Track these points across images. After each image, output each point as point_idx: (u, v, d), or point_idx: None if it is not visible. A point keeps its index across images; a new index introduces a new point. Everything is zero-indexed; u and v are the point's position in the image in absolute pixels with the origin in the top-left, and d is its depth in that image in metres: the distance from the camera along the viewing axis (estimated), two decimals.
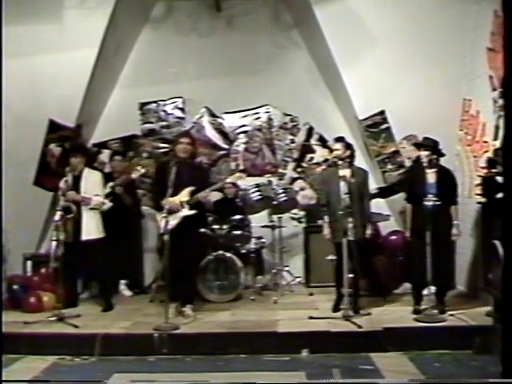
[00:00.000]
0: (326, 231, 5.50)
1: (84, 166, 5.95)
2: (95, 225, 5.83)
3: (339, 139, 5.54)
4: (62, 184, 5.77)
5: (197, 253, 5.74)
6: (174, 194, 5.31)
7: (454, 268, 5.38)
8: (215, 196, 6.73)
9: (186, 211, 5.37)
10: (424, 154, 5.21)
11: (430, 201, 5.00)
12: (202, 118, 7.66)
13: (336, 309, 5.45)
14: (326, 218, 5.51)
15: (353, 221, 5.09)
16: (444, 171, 5.31)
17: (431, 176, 5.21)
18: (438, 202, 5.00)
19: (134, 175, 6.25)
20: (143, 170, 6.26)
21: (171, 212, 5.25)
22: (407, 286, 5.87)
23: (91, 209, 5.78)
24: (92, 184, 5.86)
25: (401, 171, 6.48)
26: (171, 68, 7.40)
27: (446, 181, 5.26)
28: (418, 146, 5.43)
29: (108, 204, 5.90)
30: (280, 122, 7.62)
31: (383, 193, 6.23)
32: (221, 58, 7.38)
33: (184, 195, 5.40)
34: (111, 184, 6.07)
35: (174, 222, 5.29)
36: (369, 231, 5.44)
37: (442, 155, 5.34)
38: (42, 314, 5.52)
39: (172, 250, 5.06)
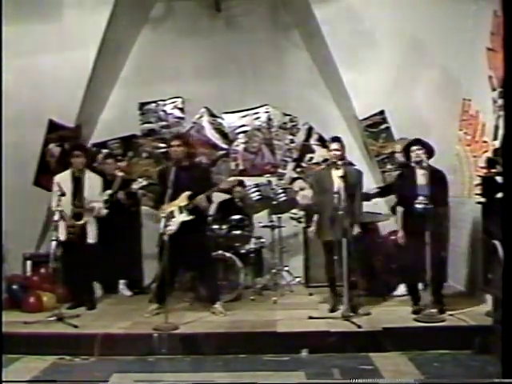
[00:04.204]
0: (311, 228, 5.53)
1: (85, 168, 5.94)
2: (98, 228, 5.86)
3: (336, 139, 5.50)
4: (59, 185, 5.65)
5: (207, 252, 5.76)
6: (174, 198, 5.31)
7: (446, 266, 5.39)
8: (221, 197, 6.75)
9: (183, 216, 5.36)
10: (420, 153, 5.17)
11: (420, 203, 4.92)
12: (202, 118, 7.66)
13: (333, 309, 5.44)
14: (316, 217, 5.51)
15: (346, 220, 5.08)
16: (435, 172, 5.20)
17: (422, 178, 5.15)
18: (428, 206, 4.90)
19: (136, 186, 6.31)
20: (145, 182, 6.29)
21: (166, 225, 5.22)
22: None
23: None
24: (94, 189, 5.86)
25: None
26: (171, 68, 7.40)
27: (437, 182, 5.16)
28: (411, 145, 5.29)
29: (104, 211, 5.89)
30: (279, 121, 7.62)
31: (383, 192, 6.22)
32: (220, 58, 7.38)
33: (182, 200, 5.39)
34: (109, 192, 6.07)
35: (173, 227, 5.28)
36: (356, 229, 5.34)
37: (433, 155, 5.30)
38: (41, 313, 5.51)
39: (177, 256, 5.08)
